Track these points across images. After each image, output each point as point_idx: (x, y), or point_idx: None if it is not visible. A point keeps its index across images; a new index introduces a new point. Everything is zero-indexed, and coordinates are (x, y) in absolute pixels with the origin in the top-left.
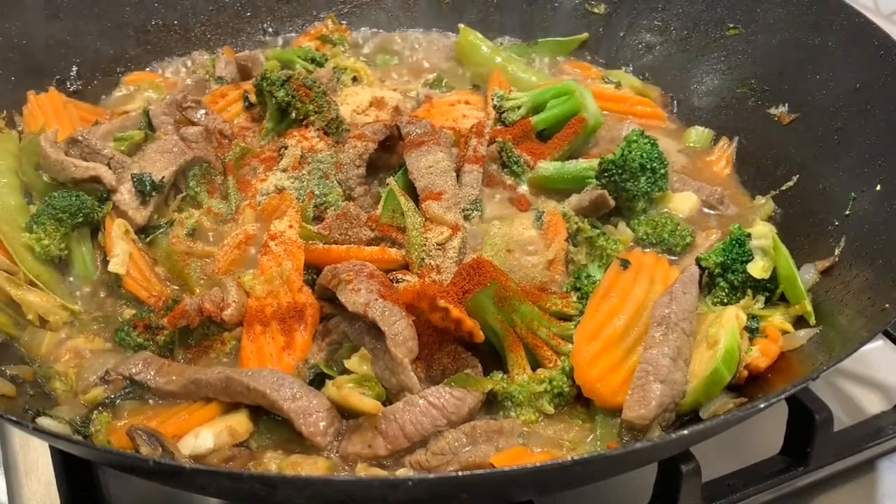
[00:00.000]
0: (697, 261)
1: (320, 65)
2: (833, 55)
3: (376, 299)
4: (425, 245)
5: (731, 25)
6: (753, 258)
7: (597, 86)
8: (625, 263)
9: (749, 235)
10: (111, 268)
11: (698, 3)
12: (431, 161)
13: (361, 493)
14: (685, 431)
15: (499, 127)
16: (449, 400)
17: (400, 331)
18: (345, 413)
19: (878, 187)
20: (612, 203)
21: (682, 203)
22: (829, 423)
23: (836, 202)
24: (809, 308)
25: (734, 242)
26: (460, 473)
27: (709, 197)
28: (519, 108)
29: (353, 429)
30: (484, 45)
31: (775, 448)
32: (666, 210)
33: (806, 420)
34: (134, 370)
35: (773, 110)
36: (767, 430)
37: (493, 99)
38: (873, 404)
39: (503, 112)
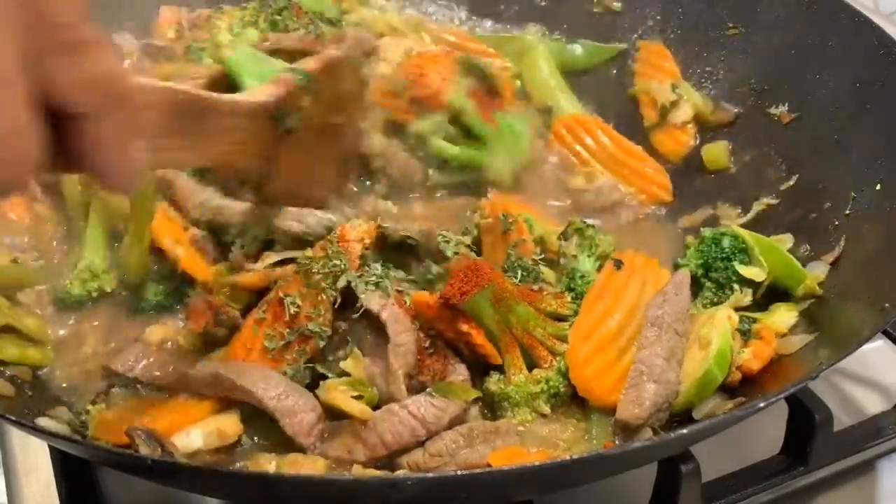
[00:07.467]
0: (676, 265)
1: (333, 24)
2: (833, 55)
3: (393, 304)
4: None
5: (731, 25)
6: (733, 255)
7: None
8: (618, 264)
9: (722, 234)
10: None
11: (698, 4)
12: None
13: (361, 493)
14: (684, 431)
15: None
16: (429, 410)
17: (403, 342)
18: (336, 415)
19: (878, 187)
20: None
21: None
22: (829, 423)
23: (836, 202)
24: (814, 284)
25: (711, 242)
26: (460, 473)
27: None
28: None
29: (336, 432)
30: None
31: (775, 448)
32: None
33: (806, 420)
34: (126, 366)
35: (773, 110)
36: (767, 430)
37: None
38: (873, 404)
39: None
